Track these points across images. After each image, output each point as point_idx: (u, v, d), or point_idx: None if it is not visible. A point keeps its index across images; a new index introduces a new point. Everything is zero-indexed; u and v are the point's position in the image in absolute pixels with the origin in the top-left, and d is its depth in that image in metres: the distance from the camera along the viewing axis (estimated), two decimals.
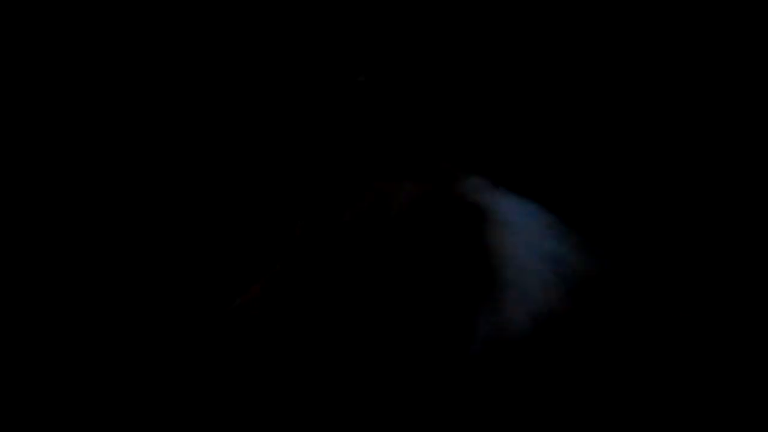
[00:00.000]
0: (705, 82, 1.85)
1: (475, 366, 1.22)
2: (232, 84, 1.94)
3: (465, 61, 1.92)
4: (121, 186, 1.91)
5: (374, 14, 1.95)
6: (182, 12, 1.95)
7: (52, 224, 1.85)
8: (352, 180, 1.36)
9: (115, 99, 1.93)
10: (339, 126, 1.90)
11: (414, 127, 1.91)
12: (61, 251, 1.84)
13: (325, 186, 1.41)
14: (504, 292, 1.23)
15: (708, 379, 1.24)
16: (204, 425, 1.48)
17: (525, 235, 1.27)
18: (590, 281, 1.26)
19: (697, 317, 1.30)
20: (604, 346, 1.24)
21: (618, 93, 1.87)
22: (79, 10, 1.93)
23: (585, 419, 1.22)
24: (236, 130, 1.94)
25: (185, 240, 1.88)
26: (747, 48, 1.84)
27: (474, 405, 1.22)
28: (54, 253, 1.84)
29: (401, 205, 1.28)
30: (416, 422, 1.25)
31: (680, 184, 1.80)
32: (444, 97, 1.92)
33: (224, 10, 1.95)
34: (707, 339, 1.28)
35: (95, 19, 1.93)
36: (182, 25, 1.95)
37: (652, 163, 1.82)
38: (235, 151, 1.93)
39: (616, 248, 1.37)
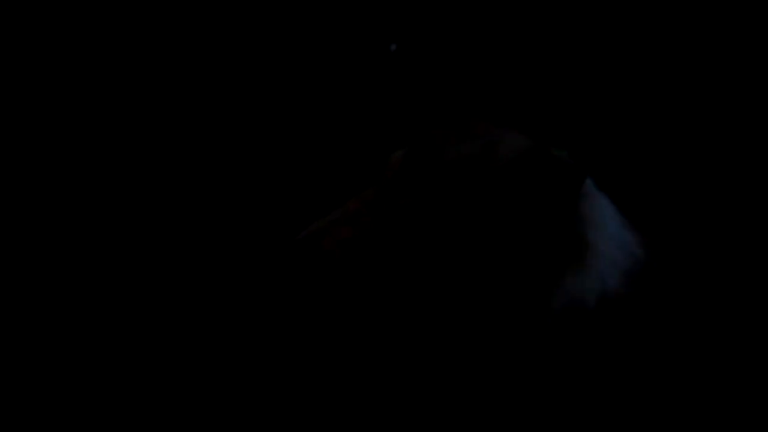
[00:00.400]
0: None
1: (553, 323, 1.25)
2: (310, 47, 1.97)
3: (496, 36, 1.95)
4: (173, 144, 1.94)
5: None
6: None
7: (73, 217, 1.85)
8: (454, 119, 1.34)
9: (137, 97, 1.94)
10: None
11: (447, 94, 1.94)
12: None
13: (423, 121, 1.41)
14: (592, 258, 1.27)
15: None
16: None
17: (606, 215, 1.32)
18: (645, 270, 1.31)
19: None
20: (651, 334, 1.30)
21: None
22: (79, 10, 1.94)
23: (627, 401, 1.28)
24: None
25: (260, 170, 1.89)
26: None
27: (545, 361, 1.27)
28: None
29: (507, 155, 1.28)
30: (493, 366, 1.28)
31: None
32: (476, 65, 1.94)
33: None
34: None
35: (95, 19, 1.94)
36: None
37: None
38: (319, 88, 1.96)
39: (663, 238, 1.42)
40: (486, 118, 1.37)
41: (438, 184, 1.29)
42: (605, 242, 1.30)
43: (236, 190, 1.89)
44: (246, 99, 1.96)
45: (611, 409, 1.28)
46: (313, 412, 1.38)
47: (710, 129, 1.85)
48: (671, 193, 1.79)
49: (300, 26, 1.97)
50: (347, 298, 1.30)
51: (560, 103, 1.88)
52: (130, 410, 1.52)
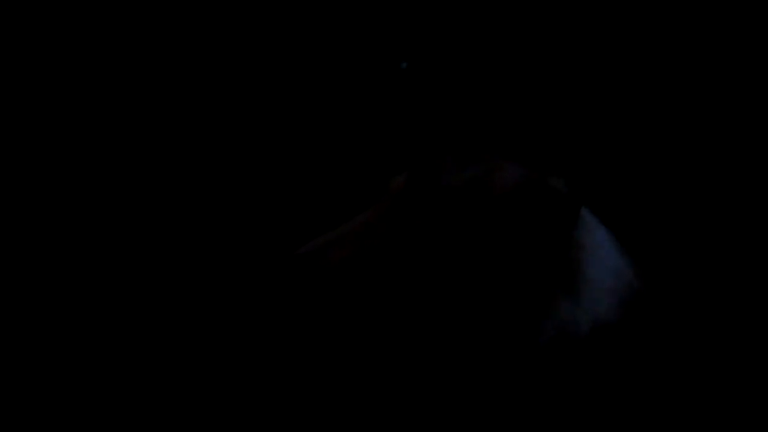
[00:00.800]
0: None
1: (545, 349, 1.27)
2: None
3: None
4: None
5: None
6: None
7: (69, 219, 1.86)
8: (455, 145, 1.37)
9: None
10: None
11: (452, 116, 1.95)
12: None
13: (427, 147, 1.42)
14: (585, 285, 1.29)
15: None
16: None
17: (601, 243, 1.33)
18: (640, 298, 1.33)
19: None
20: (643, 359, 1.31)
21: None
22: (80, 10, 1.93)
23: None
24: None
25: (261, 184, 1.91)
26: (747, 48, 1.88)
27: (535, 387, 1.28)
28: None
29: (505, 184, 1.32)
30: (477, 390, 1.29)
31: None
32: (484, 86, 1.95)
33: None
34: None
35: (96, 19, 1.94)
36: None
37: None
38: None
39: (658, 266, 1.44)
40: (486, 147, 1.40)
41: (437, 211, 1.31)
42: (599, 270, 1.31)
43: (236, 202, 1.91)
44: (252, 111, 1.98)
45: None
46: (308, 423, 1.40)
47: (708, 159, 1.87)
48: (669, 223, 1.81)
49: (310, 41, 2.00)
50: (345, 315, 1.32)
51: (558, 133, 1.91)
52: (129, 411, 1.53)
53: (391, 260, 1.30)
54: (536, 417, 1.28)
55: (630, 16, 1.91)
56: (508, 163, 1.35)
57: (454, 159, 1.35)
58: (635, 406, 1.30)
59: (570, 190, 1.33)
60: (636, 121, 1.89)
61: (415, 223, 1.31)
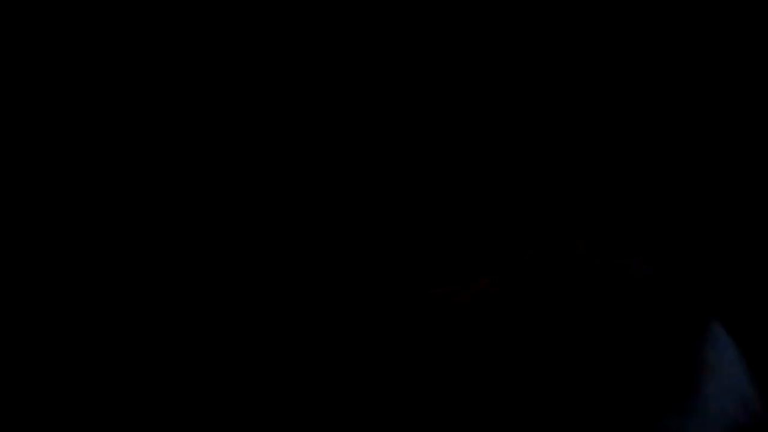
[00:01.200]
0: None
1: None
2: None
3: None
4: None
5: None
6: None
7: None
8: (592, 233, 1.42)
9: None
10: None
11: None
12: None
13: (564, 228, 1.46)
14: (699, 402, 1.23)
15: None
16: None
17: (728, 364, 1.27)
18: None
19: None
20: None
21: None
22: (79, 10, 1.89)
23: None
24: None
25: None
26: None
27: None
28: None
29: (643, 279, 1.31)
30: None
31: None
32: None
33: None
34: None
35: (95, 19, 1.90)
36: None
37: None
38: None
39: None
40: (620, 239, 1.45)
41: (567, 292, 1.32)
42: (720, 392, 1.24)
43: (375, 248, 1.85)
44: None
45: None
46: None
47: None
48: None
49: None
50: (457, 358, 1.32)
51: (698, 239, 1.83)
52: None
53: (511, 326, 1.31)
54: None
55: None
56: (642, 258, 1.35)
57: (589, 244, 1.37)
58: None
59: (705, 299, 1.28)
60: None
61: (542, 299, 1.31)
